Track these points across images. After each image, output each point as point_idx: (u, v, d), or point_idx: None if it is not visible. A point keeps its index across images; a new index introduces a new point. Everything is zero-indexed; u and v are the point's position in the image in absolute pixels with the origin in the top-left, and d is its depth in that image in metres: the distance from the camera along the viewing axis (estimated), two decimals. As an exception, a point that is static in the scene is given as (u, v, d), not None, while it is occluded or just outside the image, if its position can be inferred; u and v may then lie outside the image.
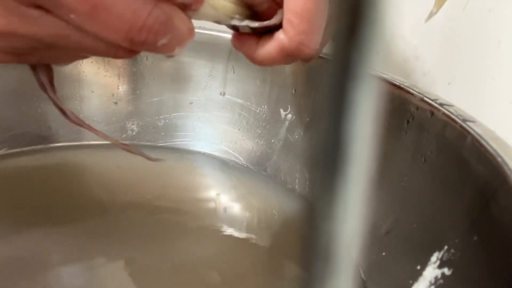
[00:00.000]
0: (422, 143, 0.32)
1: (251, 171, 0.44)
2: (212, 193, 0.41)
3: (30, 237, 0.33)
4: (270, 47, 0.26)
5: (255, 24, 0.26)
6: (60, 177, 0.40)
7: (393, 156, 0.34)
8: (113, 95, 0.47)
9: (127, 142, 0.46)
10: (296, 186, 0.43)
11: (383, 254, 0.32)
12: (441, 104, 0.31)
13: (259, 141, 0.45)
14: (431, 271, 0.27)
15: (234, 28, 0.27)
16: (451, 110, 0.30)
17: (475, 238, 0.25)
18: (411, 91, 0.34)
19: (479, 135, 0.27)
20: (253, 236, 0.36)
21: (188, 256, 0.33)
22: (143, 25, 0.20)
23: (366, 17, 0.08)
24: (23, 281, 0.30)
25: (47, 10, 0.19)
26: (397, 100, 0.34)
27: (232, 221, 0.38)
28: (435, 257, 0.27)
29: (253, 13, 0.27)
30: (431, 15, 0.39)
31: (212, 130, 0.47)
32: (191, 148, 0.47)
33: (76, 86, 0.45)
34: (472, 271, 0.24)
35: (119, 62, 0.46)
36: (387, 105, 0.34)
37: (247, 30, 0.27)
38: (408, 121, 0.33)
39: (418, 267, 0.28)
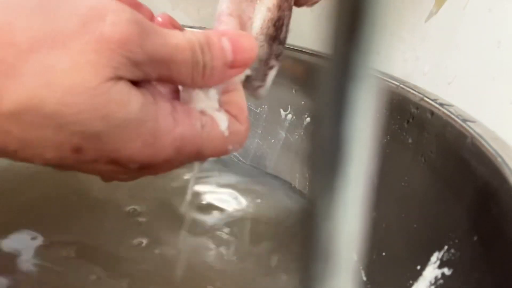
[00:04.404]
0: (422, 143, 0.32)
1: (251, 171, 0.44)
2: (212, 193, 0.41)
3: (29, 236, 0.33)
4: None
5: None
6: (60, 177, 0.40)
7: (393, 156, 0.34)
8: (113, 95, 0.47)
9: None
10: (296, 186, 0.43)
11: (383, 254, 0.32)
12: (441, 104, 0.31)
13: (259, 141, 0.45)
14: (431, 271, 0.27)
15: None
16: (451, 110, 0.30)
17: (475, 238, 0.25)
18: (411, 91, 0.34)
19: (479, 135, 0.27)
20: (253, 235, 0.36)
21: (188, 256, 0.33)
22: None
23: (366, 17, 0.08)
24: (23, 278, 0.30)
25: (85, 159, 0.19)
26: (397, 100, 0.34)
27: (232, 221, 0.38)
28: (435, 257, 0.27)
29: None
30: (431, 15, 0.39)
31: (212, 130, 0.47)
32: (191, 148, 0.47)
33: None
34: (472, 271, 0.24)
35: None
36: (387, 105, 0.34)
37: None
38: (408, 121, 0.33)
39: (418, 267, 0.28)
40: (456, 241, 0.26)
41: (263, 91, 0.27)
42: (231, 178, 0.43)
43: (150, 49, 0.18)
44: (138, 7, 0.22)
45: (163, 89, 0.22)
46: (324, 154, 0.09)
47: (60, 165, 0.19)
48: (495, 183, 0.24)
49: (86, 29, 0.17)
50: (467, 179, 0.27)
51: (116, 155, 0.18)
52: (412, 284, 0.27)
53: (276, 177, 0.44)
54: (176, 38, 0.19)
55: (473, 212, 0.26)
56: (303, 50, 0.42)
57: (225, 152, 0.22)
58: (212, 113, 0.21)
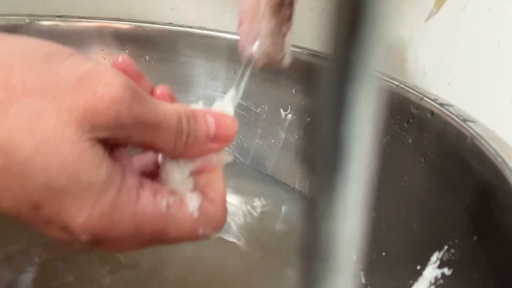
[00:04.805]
0: (422, 143, 0.32)
1: (251, 171, 0.44)
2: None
3: (29, 236, 0.33)
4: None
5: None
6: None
7: (393, 156, 0.34)
8: (113, 95, 0.47)
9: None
10: (296, 186, 0.43)
11: (383, 254, 0.32)
12: (441, 104, 0.31)
13: (259, 141, 0.45)
14: (431, 271, 0.27)
15: None
16: (451, 110, 0.30)
17: (475, 238, 0.25)
18: (411, 91, 0.34)
19: (479, 135, 0.27)
20: (253, 236, 0.36)
21: (188, 257, 0.33)
22: None
23: (366, 17, 0.08)
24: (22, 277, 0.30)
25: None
26: (397, 100, 0.34)
27: (232, 221, 0.38)
28: (435, 257, 0.27)
29: None
30: (431, 15, 0.39)
31: (212, 130, 0.47)
32: (191, 148, 0.47)
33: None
34: (472, 271, 0.24)
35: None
36: (387, 105, 0.34)
37: None
38: (408, 121, 0.33)
39: (418, 267, 0.28)
40: (456, 241, 0.26)
41: (287, 59, 0.28)
42: (231, 178, 0.43)
43: (139, 112, 0.18)
44: (140, 78, 0.23)
45: (142, 163, 0.22)
46: (324, 154, 0.09)
47: (15, 218, 0.18)
48: (495, 183, 0.24)
49: (81, 86, 0.17)
50: (467, 179, 0.27)
51: (69, 222, 0.18)
52: (412, 284, 0.27)
53: (276, 177, 0.44)
54: (164, 107, 0.20)
55: (473, 212, 0.26)
56: (303, 50, 0.42)
57: (195, 235, 0.21)
58: (184, 193, 0.21)
